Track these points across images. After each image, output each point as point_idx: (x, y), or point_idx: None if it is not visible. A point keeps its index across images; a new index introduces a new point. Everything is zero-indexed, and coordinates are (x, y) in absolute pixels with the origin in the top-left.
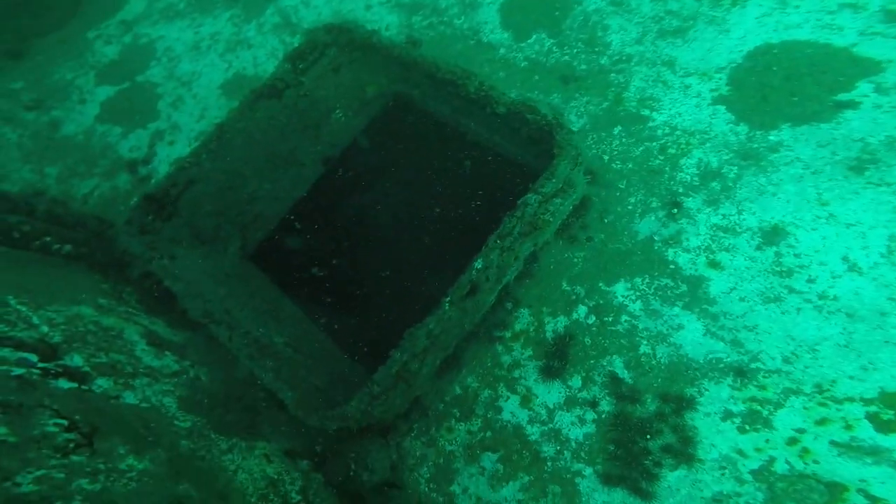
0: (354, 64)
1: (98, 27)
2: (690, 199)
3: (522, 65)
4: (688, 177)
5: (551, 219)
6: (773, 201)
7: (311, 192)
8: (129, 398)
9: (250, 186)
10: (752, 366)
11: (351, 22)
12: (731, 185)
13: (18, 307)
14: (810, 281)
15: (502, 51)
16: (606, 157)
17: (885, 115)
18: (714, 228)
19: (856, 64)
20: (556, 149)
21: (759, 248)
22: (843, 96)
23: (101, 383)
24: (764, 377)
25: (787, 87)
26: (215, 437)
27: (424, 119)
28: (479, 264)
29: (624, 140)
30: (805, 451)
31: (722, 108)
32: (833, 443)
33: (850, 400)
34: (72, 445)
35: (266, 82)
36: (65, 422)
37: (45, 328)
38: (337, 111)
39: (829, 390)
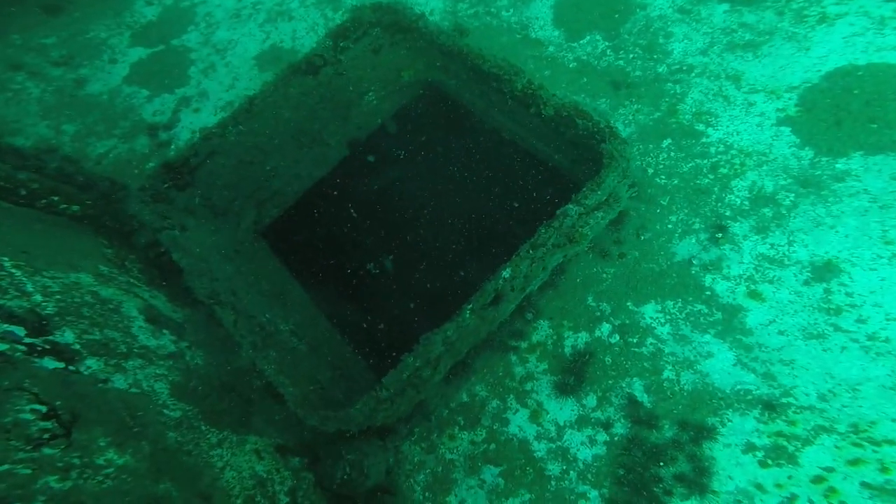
0: (395, 47)
1: None
2: (737, 224)
3: (571, 65)
4: (738, 200)
5: (590, 232)
6: (830, 235)
7: (332, 174)
8: (119, 382)
9: (272, 162)
10: (783, 400)
11: (399, 2)
12: (784, 213)
13: (13, 271)
14: (860, 321)
15: (551, 49)
16: (651, 171)
17: None
18: (759, 258)
19: None
20: (606, 158)
21: (806, 283)
22: None
23: (91, 364)
24: (795, 413)
25: (867, 113)
26: (205, 429)
27: (457, 111)
28: (506, 273)
29: (672, 154)
30: (831, 490)
31: (787, 129)
32: (864, 484)
33: (890, 443)
34: (46, 436)
35: (304, 58)
36: (44, 408)
37: (38, 297)
38: (370, 93)
39: (866, 431)
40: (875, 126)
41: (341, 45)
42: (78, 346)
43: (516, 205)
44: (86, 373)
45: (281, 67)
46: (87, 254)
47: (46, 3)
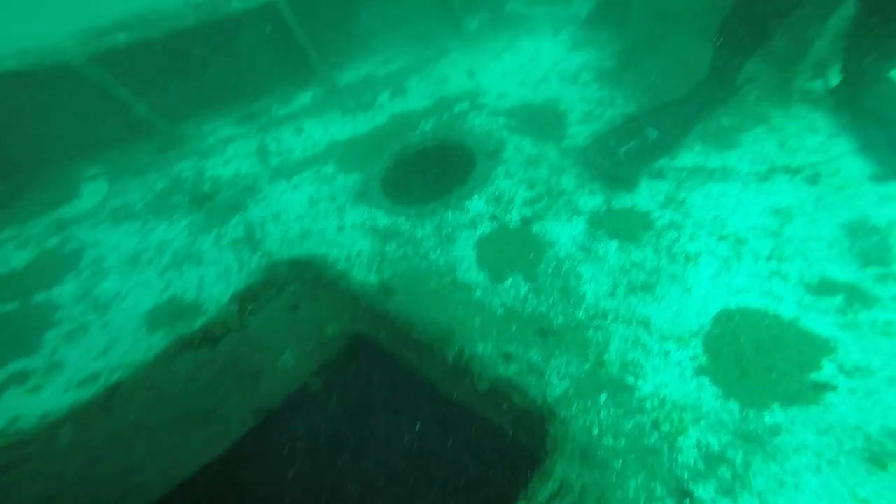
0: (316, 301)
1: (22, 225)
2: (701, 486)
3: (499, 312)
4: (690, 460)
5: None
6: (800, 495)
7: (229, 453)
8: None
9: (135, 454)
10: None
11: (317, 257)
12: (741, 472)
13: None
14: None
15: (479, 293)
16: (595, 431)
17: (866, 402)
18: None
19: (809, 341)
20: (550, 444)
21: None
22: (815, 376)
23: None
24: None
25: (761, 362)
26: None
27: (389, 364)
28: None
29: (612, 411)
30: None
31: (706, 379)
32: None
33: None
34: None
35: (200, 328)
36: None
37: None
38: (286, 354)
39: None
40: (774, 376)
41: (250, 308)
42: None
43: (458, 468)
44: None
45: (174, 332)
46: None
47: None
